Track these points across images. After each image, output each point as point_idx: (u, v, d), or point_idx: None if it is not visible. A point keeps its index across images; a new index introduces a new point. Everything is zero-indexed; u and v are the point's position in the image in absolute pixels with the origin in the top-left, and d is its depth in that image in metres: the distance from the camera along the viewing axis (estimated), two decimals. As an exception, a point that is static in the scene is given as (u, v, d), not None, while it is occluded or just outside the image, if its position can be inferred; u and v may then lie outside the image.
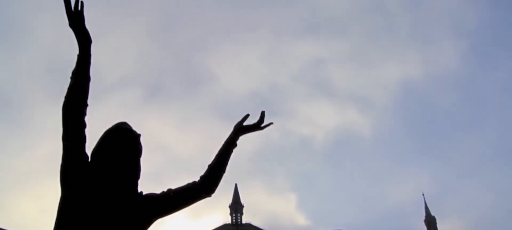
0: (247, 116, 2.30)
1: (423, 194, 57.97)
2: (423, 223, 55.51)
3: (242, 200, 53.17)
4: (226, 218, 52.42)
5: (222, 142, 2.26)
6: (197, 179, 2.17)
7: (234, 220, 51.97)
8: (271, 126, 2.30)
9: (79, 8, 2.03)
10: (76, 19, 2.04)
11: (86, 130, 2.02)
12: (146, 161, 2.07)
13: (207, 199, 2.17)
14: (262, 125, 2.32)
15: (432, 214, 55.35)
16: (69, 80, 2.04)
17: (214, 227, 51.30)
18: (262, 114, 2.31)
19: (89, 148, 2.03)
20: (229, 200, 52.98)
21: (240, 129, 2.27)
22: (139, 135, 2.06)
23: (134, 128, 2.09)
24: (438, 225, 54.53)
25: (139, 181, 2.06)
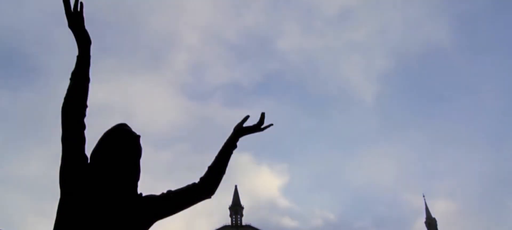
0: (247, 117, 2.30)
1: (423, 196, 57.96)
2: (424, 224, 55.52)
3: (242, 202, 53.23)
4: (225, 219, 52.46)
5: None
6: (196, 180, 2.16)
7: (234, 222, 51.96)
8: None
9: (79, 9, 2.03)
10: (75, 20, 2.04)
11: (86, 132, 2.02)
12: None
13: (207, 200, 2.17)
14: (262, 126, 2.32)
15: (433, 215, 55.39)
16: (68, 81, 2.03)
17: (213, 229, 51.37)
18: (262, 115, 2.31)
19: (88, 150, 2.02)
20: (229, 201, 53.04)
21: (240, 131, 2.27)
22: (138, 136, 2.06)
23: (133, 129, 2.09)
24: (438, 227, 54.57)
25: (139, 183, 2.06)
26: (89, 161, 1.99)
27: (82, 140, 1.99)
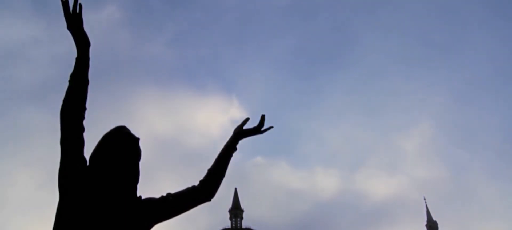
0: (247, 119, 2.29)
1: (424, 198, 57.89)
2: (425, 227, 55.45)
3: (242, 205, 53.16)
4: (225, 222, 52.39)
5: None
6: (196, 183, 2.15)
7: (233, 225, 51.90)
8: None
9: (78, 11, 2.03)
10: (74, 21, 2.03)
11: (85, 134, 2.01)
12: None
13: (206, 203, 2.16)
14: (262, 128, 2.31)
15: (434, 218, 55.30)
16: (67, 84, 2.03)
17: (213, 232, 51.34)
18: (262, 117, 2.30)
19: (87, 152, 2.01)
20: (229, 204, 52.97)
21: (240, 133, 2.26)
22: (138, 139, 2.06)
23: (133, 132, 2.08)
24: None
25: (138, 185, 2.05)
26: (88, 163, 1.99)
27: (81, 142, 1.99)
